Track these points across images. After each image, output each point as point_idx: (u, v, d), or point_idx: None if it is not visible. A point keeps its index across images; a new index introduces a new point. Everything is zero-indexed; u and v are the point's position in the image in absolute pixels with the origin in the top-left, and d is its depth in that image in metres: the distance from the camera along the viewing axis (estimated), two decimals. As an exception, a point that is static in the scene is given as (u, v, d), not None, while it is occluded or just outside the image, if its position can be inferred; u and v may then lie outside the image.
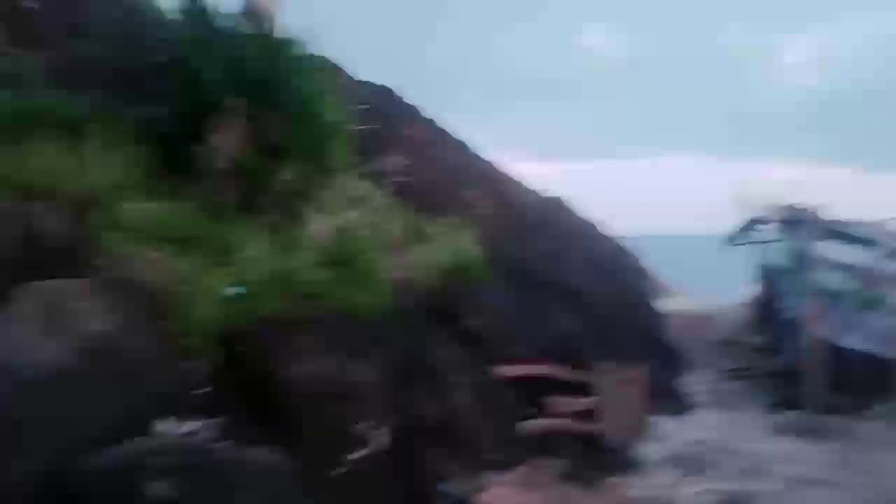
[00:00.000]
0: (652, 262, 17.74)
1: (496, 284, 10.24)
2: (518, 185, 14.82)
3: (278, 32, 7.40)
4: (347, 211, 7.82)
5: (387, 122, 11.16)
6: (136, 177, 7.57)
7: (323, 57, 8.07)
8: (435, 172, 11.78)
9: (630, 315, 14.16)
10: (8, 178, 6.87)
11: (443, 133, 13.85)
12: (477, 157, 14.34)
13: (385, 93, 13.04)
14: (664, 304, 16.69)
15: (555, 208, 15.01)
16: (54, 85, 7.81)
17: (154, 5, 9.60)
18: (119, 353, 5.66)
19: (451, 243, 9.09)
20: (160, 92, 7.76)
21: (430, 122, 13.51)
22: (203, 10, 7.34)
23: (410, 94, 13.15)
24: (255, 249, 6.88)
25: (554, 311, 11.76)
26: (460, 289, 8.92)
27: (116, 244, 6.67)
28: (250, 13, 7.65)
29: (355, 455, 6.50)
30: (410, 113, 13.25)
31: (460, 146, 14.09)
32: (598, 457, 10.05)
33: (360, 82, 12.13)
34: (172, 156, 7.80)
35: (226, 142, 7.35)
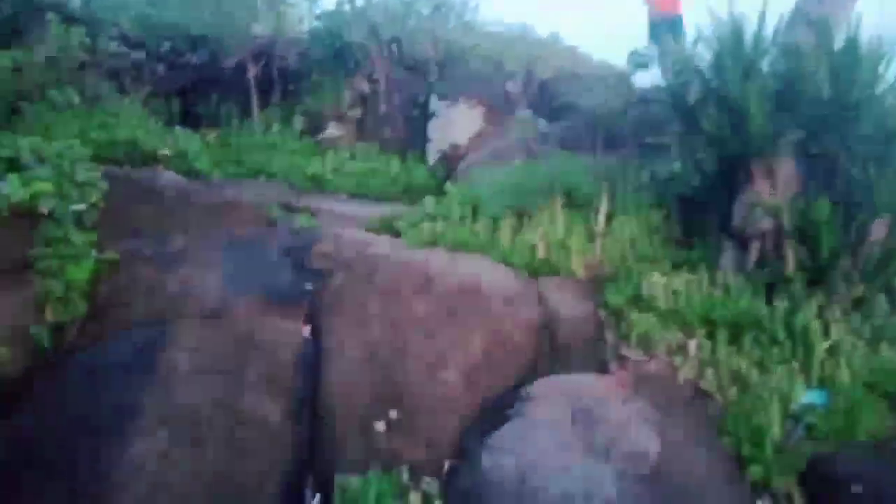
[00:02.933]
0: None
1: None
2: None
3: (849, 42, 5.31)
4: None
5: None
6: (650, 246, 6.09)
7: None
8: None
9: None
10: (521, 251, 5.95)
11: None
12: None
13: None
14: None
15: None
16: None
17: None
18: (669, 480, 3.96)
19: None
20: (681, 144, 6.22)
21: None
22: (738, 31, 5.67)
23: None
24: (838, 337, 4.69)
25: None
26: None
27: (639, 328, 5.16)
28: (803, 20, 5.74)
29: None
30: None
31: None
32: None
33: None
34: (695, 218, 6.16)
35: (773, 193, 5.40)
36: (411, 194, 9.41)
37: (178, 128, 8.53)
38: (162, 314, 4.98)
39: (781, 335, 4.84)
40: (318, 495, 4.22)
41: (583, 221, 6.34)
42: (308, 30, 11.98)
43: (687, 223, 6.15)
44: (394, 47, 11.41)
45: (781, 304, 5.03)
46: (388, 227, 7.11)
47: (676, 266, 5.75)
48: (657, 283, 5.45)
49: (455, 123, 10.65)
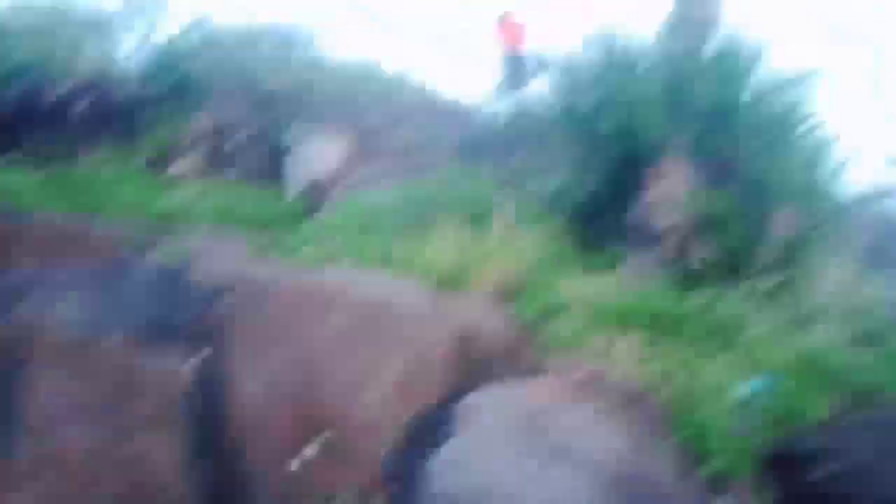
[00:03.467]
0: None
1: None
2: None
3: (725, 44, 5.49)
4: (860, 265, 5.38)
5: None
6: (554, 254, 5.90)
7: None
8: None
9: None
10: (423, 266, 5.52)
11: None
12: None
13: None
14: None
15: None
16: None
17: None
18: (634, 482, 3.63)
19: None
20: (568, 155, 6.15)
21: None
22: (613, 44, 5.71)
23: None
24: (761, 326, 4.66)
25: None
26: None
27: (564, 333, 4.88)
28: (680, 26, 5.88)
29: None
30: None
31: None
32: None
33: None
34: (592, 225, 6.06)
35: (669, 193, 5.41)
36: (275, 227, 8.71)
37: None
38: (11, 352, 4.02)
39: (705, 328, 4.73)
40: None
41: (481, 234, 6.04)
42: (143, 62, 11.01)
43: (585, 230, 6.02)
44: (240, 79, 10.73)
45: (699, 299, 4.95)
46: (265, 254, 6.43)
47: (586, 272, 5.56)
48: (572, 288, 5.22)
49: (315, 156, 10.12)
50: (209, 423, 3.99)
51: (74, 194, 8.29)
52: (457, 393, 4.57)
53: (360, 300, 4.69)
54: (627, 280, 5.34)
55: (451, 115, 11.90)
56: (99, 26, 10.24)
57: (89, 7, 10.35)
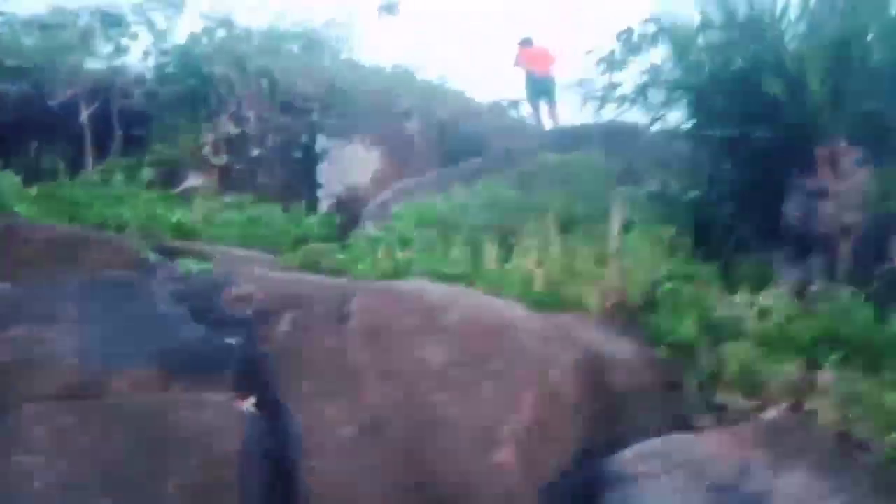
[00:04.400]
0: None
1: None
2: None
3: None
4: None
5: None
6: (682, 267, 4.69)
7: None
8: None
9: None
10: (518, 281, 4.30)
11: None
12: None
13: None
14: None
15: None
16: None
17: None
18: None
19: None
20: (693, 147, 4.97)
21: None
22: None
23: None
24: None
25: None
26: None
27: (731, 363, 3.64)
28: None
29: None
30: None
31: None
32: None
33: None
34: (714, 228, 4.87)
35: (842, 184, 4.21)
36: (305, 244, 7.49)
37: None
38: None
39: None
40: None
41: (582, 244, 4.83)
42: (154, 65, 9.89)
43: (719, 237, 4.81)
44: (264, 82, 9.59)
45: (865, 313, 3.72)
46: (313, 266, 5.22)
47: (729, 288, 4.33)
48: (725, 307, 3.99)
49: (350, 165, 8.98)
50: (279, 492, 2.73)
51: (75, 209, 7.09)
52: (596, 443, 3.34)
53: (467, 317, 3.45)
54: (792, 297, 4.11)
55: (497, 123, 10.82)
56: (111, 21, 9.11)
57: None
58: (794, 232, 4.42)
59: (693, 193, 5.06)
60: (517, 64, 10.80)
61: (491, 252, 4.66)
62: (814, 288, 4.06)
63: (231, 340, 3.59)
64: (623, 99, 5.04)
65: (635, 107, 5.08)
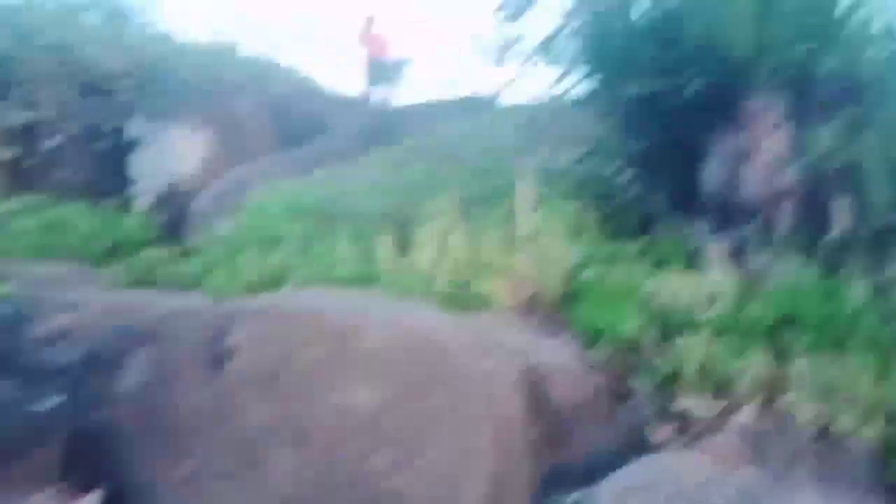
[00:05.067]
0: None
1: None
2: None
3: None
4: None
5: None
6: (596, 247, 4.13)
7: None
8: None
9: None
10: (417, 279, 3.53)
11: None
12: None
13: None
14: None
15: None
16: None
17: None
18: None
19: None
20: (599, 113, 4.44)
21: None
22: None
23: None
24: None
25: None
26: None
27: (688, 361, 3.12)
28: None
29: None
30: None
31: None
32: None
33: None
34: (638, 206, 4.40)
35: (768, 144, 3.84)
36: (123, 251, 6.22)
37: None
38: None
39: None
40: None
41: (485, 229, 4.13)
42: None
43: (613, 210, 4.30)
44: (62, 59, 7.99)
45: (859, 291, 3.36)
46: (148, 281, 4.12)
47: (658, 269, 3.82)
48: (658, 292, 3.47)
49: (171, 153, 7.68)
50: None
51: None
52: (548, 472, 2.69)
53: (389, 343, 2.61)
54: (731, 273, 3.66)
55: (336, 105, 9.85)
56: None
57: None
58: (716, 199, 3.97)
59: (594, 162, 4.51)
60: (361, 43, 10.07)
61: (386, 246, 3.83)
62: (755, 262, 3.62)
63: (54, 398, 2.52)
64: (527, 54, 4.37)
65: (541, 62, 4.43)
